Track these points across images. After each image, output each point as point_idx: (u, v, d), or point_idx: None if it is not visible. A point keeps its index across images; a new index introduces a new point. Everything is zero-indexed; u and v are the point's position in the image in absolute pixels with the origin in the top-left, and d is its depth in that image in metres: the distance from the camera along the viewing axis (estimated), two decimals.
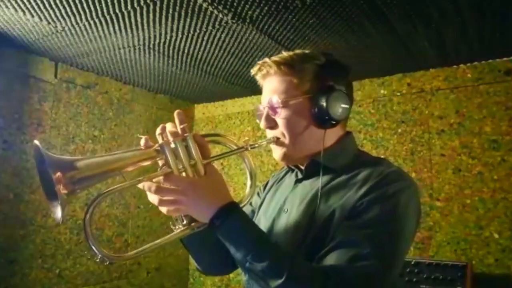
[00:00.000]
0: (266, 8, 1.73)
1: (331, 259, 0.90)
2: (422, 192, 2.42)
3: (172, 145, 0.95)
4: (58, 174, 0.83)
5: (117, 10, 1.77)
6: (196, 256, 1.18)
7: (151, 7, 1.73)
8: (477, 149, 2.34)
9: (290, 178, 1.17)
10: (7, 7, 1.75)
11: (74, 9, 1.76)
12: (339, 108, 1.03)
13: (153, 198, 0.94)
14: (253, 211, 1.25)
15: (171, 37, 2.05)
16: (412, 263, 2.13)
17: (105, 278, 2.64)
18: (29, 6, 1.74)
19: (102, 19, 1.86)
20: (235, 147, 1.07)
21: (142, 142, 0.98)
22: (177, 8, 1.74)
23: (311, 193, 1.05)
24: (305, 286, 0.86)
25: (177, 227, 0.98)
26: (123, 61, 2.44)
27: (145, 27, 1.93)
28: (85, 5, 1.73)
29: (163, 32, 2.00)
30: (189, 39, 2.08)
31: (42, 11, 1.79)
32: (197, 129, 3.43)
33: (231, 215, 0.92)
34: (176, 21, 1.87)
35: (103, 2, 1.70)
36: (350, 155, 1.09)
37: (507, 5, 1.70)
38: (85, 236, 0.87)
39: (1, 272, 2.13)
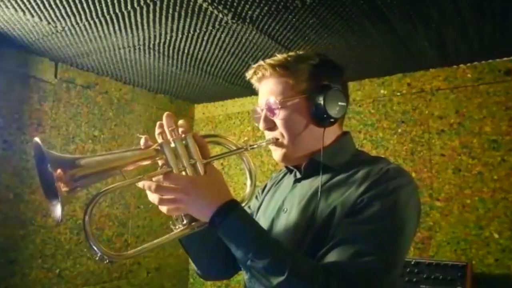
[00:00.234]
0: (266, 8, 1.73)
1: (332, 256, 0.90)
2: (421, 192, 2.42)
3: (172, 145, 0.95)
4: (59, 171, 0.83)
5: (117, 10, 1.77)
6: (196, 258, 1.17)
7: (151, 7, 1.73)
8: (477, 149, 2.34)
9: (289, 179, 1.17)
10: (7, 7, 1.75)
11: (74, 9, 1.77)
12: (336, 106, 1.04)
13: (153, 197, 0.94)
14: (251, 214, 1.24)
15: (171, 37, 2.05)
16: (412, 263, 2.13)
17: (105, 278, 2.64)
18: (29, 6, 1.74)
19: (102, 19, 1.86)
20: (235, 148, 1.08)
21: (142, 141, 0.98)
22: (177, 8, 1.74)
23: (310, 192, 1.05)
24: (307, 283, 0.86)
25: (177, 227, 0.98)
26: (123, 61, 2.44)
27: (145, 27, 1.93)
28: (85, 5, 1.73)
29: (163, 32, 2.00)
30: (189, 39, 2.08)
31: (42, 11, 1.79)
32: (197, 129, 3.43)
33: (231, 213, 0.92)
34: (176, 21, 1.87)
35: (103, 2, 1.70)
36: (348, 154, 1.10)
37: (507, 5, 1.70)
38: (84, 234, 0.87)
39: (1, 272, 2.13)
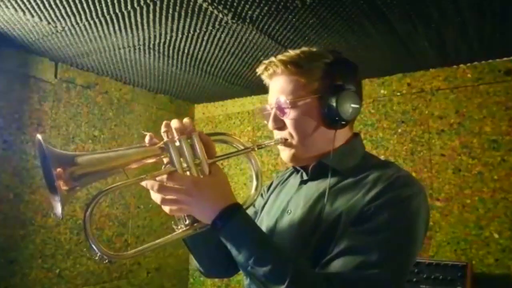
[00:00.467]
0: (266, 8, 1.73)
1: (336, 266, 0.87)
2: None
3: (177, 143, 0.93)
4: (59, 169, 0.82)
5: (117, 10, 1.77)
6: (198, 257, 1.16)
7: (151, 7, 1.73)
8: (477, 149, 2.34)
9: (295, 179, 1.15)
10: (7, 7, 1.75)
11: (74, 9, 1.76)
12: (349, 108, 1.00)
13: (156, 197, 0.93)
14: (255, 213, 1.22)
15: (171, 37, 2.05)
16: None
17: (105, 278, 2.64)
18: (29, 6, 1.74)
19: (102, 19, 1.86)
20: (242, 147, 1.05)
21: (147, 139, 0.96)
22: (177, 8, 1.74)
23: (315, 195, 1.02)
24: None
25: (179, 227, 0.97)
26: (123, 61, 2.44)
27: (145, 27, 1.93)
28: (85, 5, 1.73)
29: (163, 32, 2.00)
30: (189, 39, 2.08)
31: (42, 11, 1.79)
32: (197, 129, 3.42)
33: (234, 218, 0.90)
34: (176, 21, 1.87)
35: (103, 2, 1.70)
36: (358, 157, 1.06)
37: (507, 5, 1.70)
38: (84, 233, 0.86)
39: (1, 272, 2.13)
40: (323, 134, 1.03)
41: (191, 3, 1.70)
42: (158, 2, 1.69)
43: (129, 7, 1.73)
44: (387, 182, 0.93)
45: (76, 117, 2.55)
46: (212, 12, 1.78)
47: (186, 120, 0.97)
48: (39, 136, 0.84)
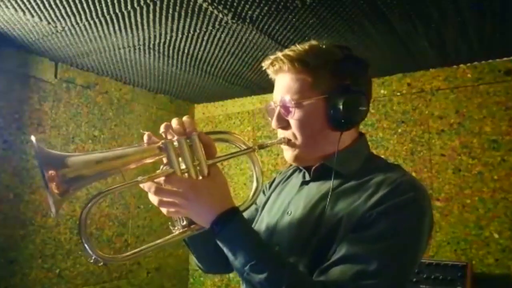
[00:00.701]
0: (266, 8, 1.73)
1: (334, 274, 0.85)
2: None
3: (176, 144, 0.91)
4: (51, 172, 0.80)
5: (117, 10, 1.77)
6: (198, 255, 1.16)
7: (151, 7, 1.73)
8: (477, 149, 2.34)
9: (297, 179, 1.12)
10: (7, 7, 1.75)
11: (74, 9, 1.76)
12: (356, 111, 0.97)
13: (153, 199, 0.92)
14: (257, 210, 1.21)
15: (171, 37, 2.05)
16: None
17: (105, 278, 2.64)
18: (29, 6, 1.74)
19: (102, 19, 1.86)
20: (244, 146, 1.02)
21: (145, 138, 0.94)
22: (177, 8, 1.74)
23: (316, 197, 1.00)
24: None
25: (176, 228, 0.96)
26: (123, 61, 2.44)
27: (145, 27, 1.93)
28: (85, 5, 1.72)
29: (163, 32, 1.99)
30: (189, 39, 2.08)
31: (42, 11, 1.79)
32: (198, 129, 3.42)
33: (230, 223, 0.88)
34: (176, 21, 1.87)
35: (103, 2, 1.70)
36: (362, 159, 1.03)
37: (507, 5, 1.70)
38: (80, 237, 0.85)
39: (1, 272, 2.13)
40: (328, 135, 0.99)
41: (191, 3, 1.70)
42: (158, 2, 1.69)
43: (129, 7, 1.73)
44: (390, 187, 0.90)
45: (76, 117, 2.55)
46: (212, 12, 1.77)
47: (186, 119, 0.95)
48: (33, 138, 0.82)
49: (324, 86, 0.97)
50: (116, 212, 2.73)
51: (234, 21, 1.86)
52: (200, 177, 0.92)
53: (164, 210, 0.93)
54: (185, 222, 0.96)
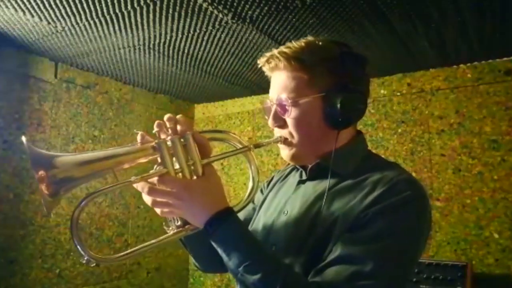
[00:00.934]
0: (266, 8, 1.73)
1: (329, 274, 0.84)
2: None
3: (169, 143, 0.89)
4: (41, 172, 0.79)
5: (117, 10, 1.77)
6: (194, 255, 1.15)
7: (151, 7, 1.73)
8: (477, 149, 2.34)
9: (294, 178, 1.11)
10: (7, 7, 1.75)
11: (74, 9, 1.76)
12: (354, 109, 0.96)
13: (147, 199, 0.91)
14: (254, 209, 1.20)
15: (171, 37, 2.05)
16: None
17: (105, 278, 2.64)
18: (29, 6, 1.74)
19: (102, 19, 1.86)
20: (239, 145, 1.01)
21: (139, 138, 0.93)
22: (177, 8, 1.74)
23: (312, 196, 0.99)
24: None
25: (171, 228, 0.95)
26: (123, 61, 2.44)
27: (145, 27, 1.93)
28: (85, 5, 1.73)
29: (163, 32, 1.99)
30: (189, 39, 2.08)
31: (42, 11, 1.79)
32: (197, 129, 3.43)
33: (224, 223, 0.87)
34: (176, 21, 1.87)
35: (103, 2, 1.70)
36: (359, 158, 1.01)
37: (507, 5, 1.70)
38: (71, 237, 0.83)
39: (1, 272, 2.13)
40: (325, 134, 0.98)
41: (191, 3, 1.70)
42: (158, 2, 1.69)
43: (129, 7, 1.73)
44: (386, 186, 0.89)
45: (76, 117, 2.55)
46: (212, 12, 1.77)
47: (179, 117, 0.94)
48: (23, 138, 0.81)
49: (321, 84, 0.96)
50: (116, 212, 2.73)
51: (234, 21, 1.86)
52: (195, 177, 0.91)
53: (158, 210, 0.92)
54: (179, 222, 0.95)
